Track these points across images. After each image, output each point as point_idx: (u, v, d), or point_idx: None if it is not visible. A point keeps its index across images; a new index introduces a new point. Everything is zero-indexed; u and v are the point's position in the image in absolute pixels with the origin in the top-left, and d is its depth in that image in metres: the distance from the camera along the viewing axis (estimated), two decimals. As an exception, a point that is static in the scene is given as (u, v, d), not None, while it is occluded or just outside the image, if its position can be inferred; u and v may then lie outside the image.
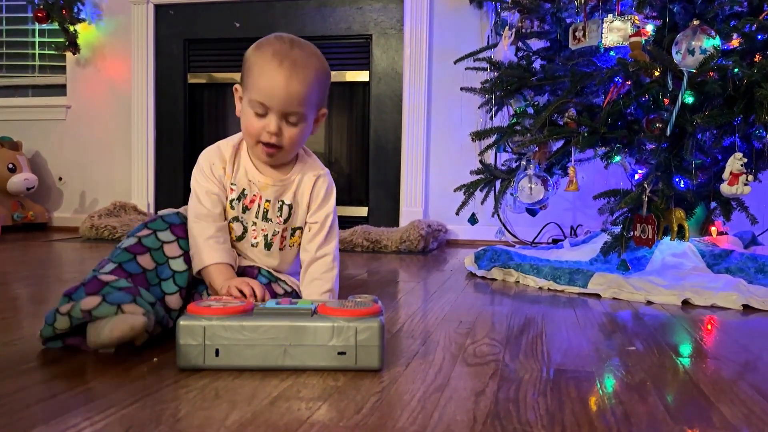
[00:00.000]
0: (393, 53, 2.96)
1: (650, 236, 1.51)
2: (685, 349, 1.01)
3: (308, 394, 0.72)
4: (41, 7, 3.15)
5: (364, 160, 3.07)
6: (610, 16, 1.67)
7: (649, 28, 1.66)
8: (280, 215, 1.09)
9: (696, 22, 1.51)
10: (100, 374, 0.79)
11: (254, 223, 1.09)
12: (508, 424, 0.64)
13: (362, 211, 3.03)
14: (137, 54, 3.18)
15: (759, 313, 1.31)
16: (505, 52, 1.93)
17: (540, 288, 1.59)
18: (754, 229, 1.83)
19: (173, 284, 0.96)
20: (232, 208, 1.08)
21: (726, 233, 1.82)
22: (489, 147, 2.00)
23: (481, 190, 2.03)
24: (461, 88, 2.12)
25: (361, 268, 2.00)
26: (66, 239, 2.71)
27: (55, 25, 3.20)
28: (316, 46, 1.06)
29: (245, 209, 1.08)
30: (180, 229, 1.02)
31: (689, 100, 1.49)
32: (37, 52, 3.42)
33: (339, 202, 1.18)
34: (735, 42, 1.59)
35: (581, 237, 2.14)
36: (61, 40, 3.21)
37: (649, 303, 1.40)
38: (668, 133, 1.49)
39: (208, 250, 1.01)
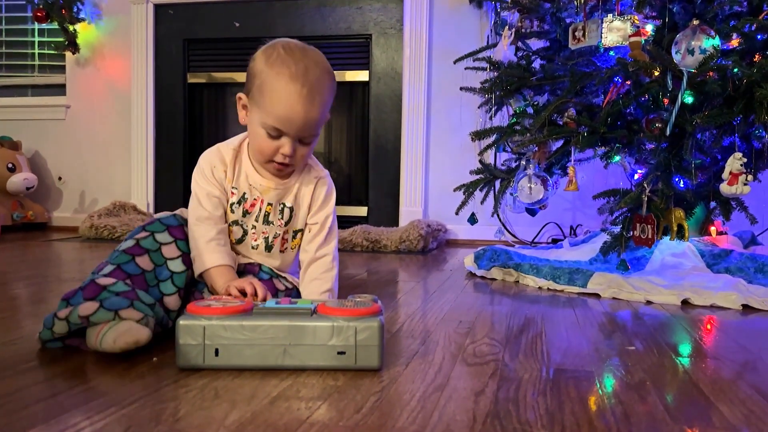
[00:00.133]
0: (393, 53, 2.95)
1: (650, 236, 1.51)
2: (685, 348, 1.01)
3: (308, 394, 0.72)
4: (41, 6, 3.15)
5: (363, 160, 3.07)
6: (610, 15, 1.67)
7: (649, 27, 1.66)
8: (282, 218, 1.09)
9: (696, 22, 1.51)
10: (99, 374, 0.79)
11: (254, 227, 1.09)
12: (507, 423, 0.65)
13: (362, 211, 3.03)
14: (137, 54, 3.18)
15: (758, 313, 1.31)
16: (504, 51, 1.93)
17: (539, 288, 1.59)
18: (753, 228, 1.83)
19: (172, 285, 0.96)
20: (232, 211, 1.08)
21: (725, 233, 1.82)
22: (489, 147, 2.00)
23: (480, 190, 2.03)
24: (461, 88, 2.12)
25: (361, 267, 2.00)
26: (65, 239, 2.71)
27: (55, 25, 3.20)
28: (315, 46, 1.05)
29: (245, 213, 1.08)
30: (178, 230, 1.02)
31: (689, 99, 1.49)
32: (36, 51, 3.41)
33: (339, 201, 1.19)
34: (735, 42, 1.59)
35: (581, 237, 2.14)
36: (61, 39, 3.21)
37: (649, 303, 1.40)
38: (668, 132, 1.49)
39: (210, 253, 1.01)
